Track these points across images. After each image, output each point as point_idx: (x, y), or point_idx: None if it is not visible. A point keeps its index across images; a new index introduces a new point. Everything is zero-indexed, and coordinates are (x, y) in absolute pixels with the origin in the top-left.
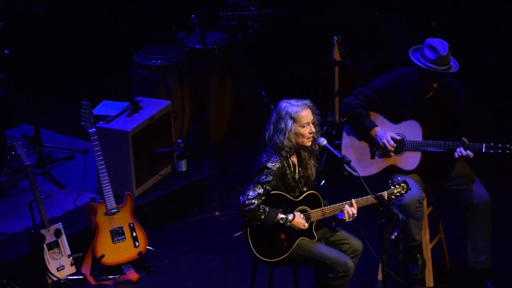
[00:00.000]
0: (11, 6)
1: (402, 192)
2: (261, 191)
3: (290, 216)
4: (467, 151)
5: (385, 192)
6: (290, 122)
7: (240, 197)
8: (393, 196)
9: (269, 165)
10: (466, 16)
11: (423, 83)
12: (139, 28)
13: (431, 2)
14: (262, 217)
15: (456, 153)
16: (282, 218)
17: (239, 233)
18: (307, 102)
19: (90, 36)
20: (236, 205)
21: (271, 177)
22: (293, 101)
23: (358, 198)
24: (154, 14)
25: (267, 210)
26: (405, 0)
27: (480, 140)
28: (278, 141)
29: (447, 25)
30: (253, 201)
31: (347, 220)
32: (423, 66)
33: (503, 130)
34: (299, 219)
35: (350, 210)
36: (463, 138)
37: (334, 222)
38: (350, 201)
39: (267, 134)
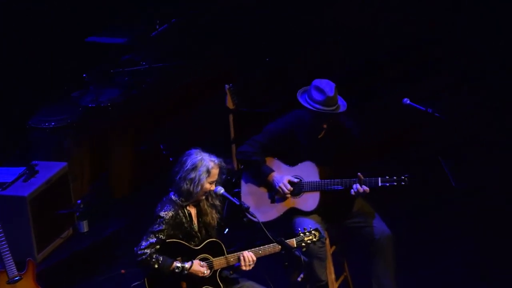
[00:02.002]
0: None
1: (314, 239)
2: (153, 240)
3: (187, 264)
4: (363, 186)
5: (294, 239)
6: (204, 176)
7: (134, 248)
8: (303, 244)
9: (162, 214)
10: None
11: (313, 124)
12: (31, 89)
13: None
14: (156, 266)
15: (352, 190)
16: (177, 267)
17: (137, 282)
18: (222, 161)
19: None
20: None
21: (164, 225)
22: (208, 156)
23: (262, 245)
24: (46, 74)
25: (161, 259)
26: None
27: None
28: (185, 188)
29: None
30: (145, 250)
31: (244, 268)
32: (311, 108)
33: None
34: (197, 267)
35: (247, 256)
36: (359, 174)
37: (231, 272)
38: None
39: (176, 177)
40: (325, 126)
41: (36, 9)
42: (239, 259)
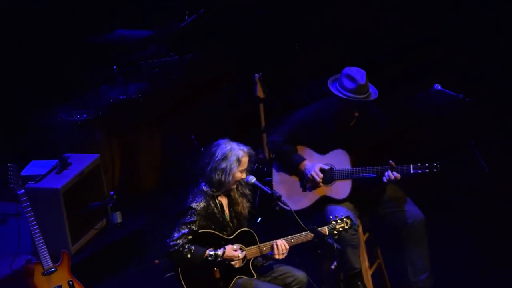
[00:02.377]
0: None
1: (346, 227)
2: (185, 231)
3: (220, 251)
4: (394, 173)
5: (326, 227)
6: (236, 165)
7: (167, 240)
8: (335, 231)
9: (193, 205)
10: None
11: (345, 112)
12: (59, 83)
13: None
14: (188, 256)
15: (384, 177)
16: (210, 255)
17: (171, 273)
18: (250, 149)
19: (10, 92)
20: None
21: (196, 217)
22: (237, 145)
23: (294, 233)
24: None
25: (193, 249)
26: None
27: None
28: (216, 179)
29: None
30: (177, 241)
31: (277, 256)
32: (343, 96)
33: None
34: (231, 251)
35: (280, 244)
36: (390, 161)
37: (264, 260)
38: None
39: (207, 168)
40: (357, 114)
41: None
42: (272, 247)
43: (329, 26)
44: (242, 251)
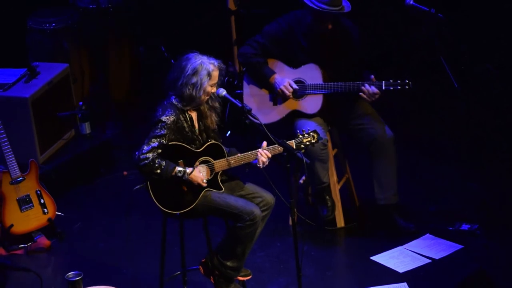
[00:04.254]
0: None
1: (312, 141)
2: (155, 144)
3: (188, 170)
4: (372, 87)
5: (293, 141)
6: (206, 79)
7: (136, 152)
8: (302, 145)
9: (163, 118)
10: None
11: (317, 25)
12: None
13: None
14: (158, 171)
15: (364, 89)
16: (180, 171)
17: (140, 185)
18: (220, 62)
19: None
20: (132, 161)
21: (166, 130)
22: (207, 58)
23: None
24: None
25: (163, 164)
26: None
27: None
28: (187, 93)
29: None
30: (147, 155)
31: (261, 166)
32: (316, 7)
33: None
34: (196, 173)
35: (264, 153)
36: (372, 76)
37: (247, 169)
38: (257, 150)
39: (178, 83)
40: (330, 26)
41: None
42: (254, 155)
43: None
44: (210, 169)
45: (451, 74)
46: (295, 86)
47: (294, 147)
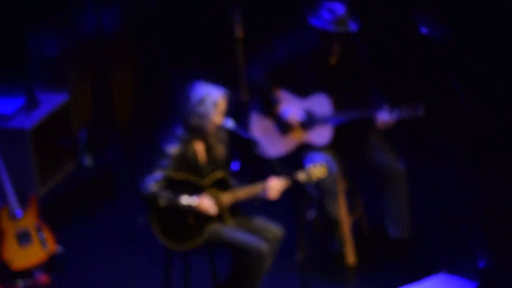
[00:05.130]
0: None
1: (321, 174)
2: (160, 175)
3: (195, 201)
4: (388, 114)
5: (302, 173)
6: (213, 109)
7: (140, 183)
8: (310, 178)
9: (168, 149)
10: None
11: (324, 46)
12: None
13: None
14: (163, 202)
15: (378, 118)
16: (186, 201)
17: (143, 218)
18: (227, 92)
19: None
20: (137, 191)
21: (171, 161)
22: (213, 87)
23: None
24: None
25: (168, 196)
26: None
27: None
28: (193, 123)
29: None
30: (151, 186)
31: (272, 196)
32: (322, 28)
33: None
34: (205, 202)
35: (273, 184)
36: (385, 104)
37: (256, 203)
38: (264, 182)
39: (184, 113)
40: (336, 48)
41: None
42: (264, 188)
43: None
44: (217, 201)
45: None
46: (302, 115)
47: (303, 179)
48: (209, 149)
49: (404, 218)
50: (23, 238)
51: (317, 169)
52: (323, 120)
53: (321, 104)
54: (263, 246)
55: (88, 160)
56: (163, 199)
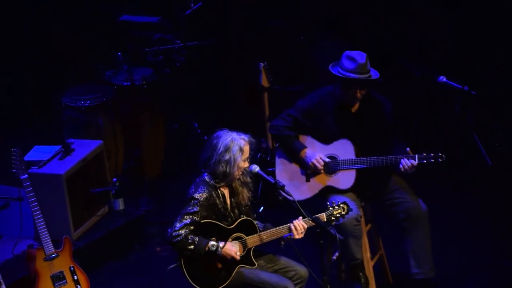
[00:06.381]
0: None
1: (343, 213)
2: (188, 221)
3: (221, 244)
4: (411, 160)
5: (324, 214)
6: (239, 154)
7: (168, 229)
8: (333, 218)
9: (196, 195)
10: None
11: (346, 94)
12: (64, 68)
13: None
14: (191, 247)
15: (401, 164)
16: (213, 245)
17: (174, 264)
18: (250, 137)
19: (12, 80)
20: (165, 238)
21: (198, 207)
22: (237, 134)
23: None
24: (79, 53)
25: (196, 240)
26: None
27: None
28: (221, 170)
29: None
30: (180, 232)
31: (297, 236)
32: (342, 76)
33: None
34: (229, 247)
35: (298, 224)
36: (408, 149)
37: (282, 242)
38: (288, 224)
39: (211, 162)
40: (358, 95)
41: None
42: (290, 229)
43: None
44: (242, 246)
45: (483, 150)
46: (326, 159)
47: (325, 219)
48: (234, 193)
49: (428, 257)
50: (58, 280)
51: (339, 208)
52: (346, 165)
53: (344, 150)
54: (289, 285)
55: (120, 206)
56: (192, 243)
